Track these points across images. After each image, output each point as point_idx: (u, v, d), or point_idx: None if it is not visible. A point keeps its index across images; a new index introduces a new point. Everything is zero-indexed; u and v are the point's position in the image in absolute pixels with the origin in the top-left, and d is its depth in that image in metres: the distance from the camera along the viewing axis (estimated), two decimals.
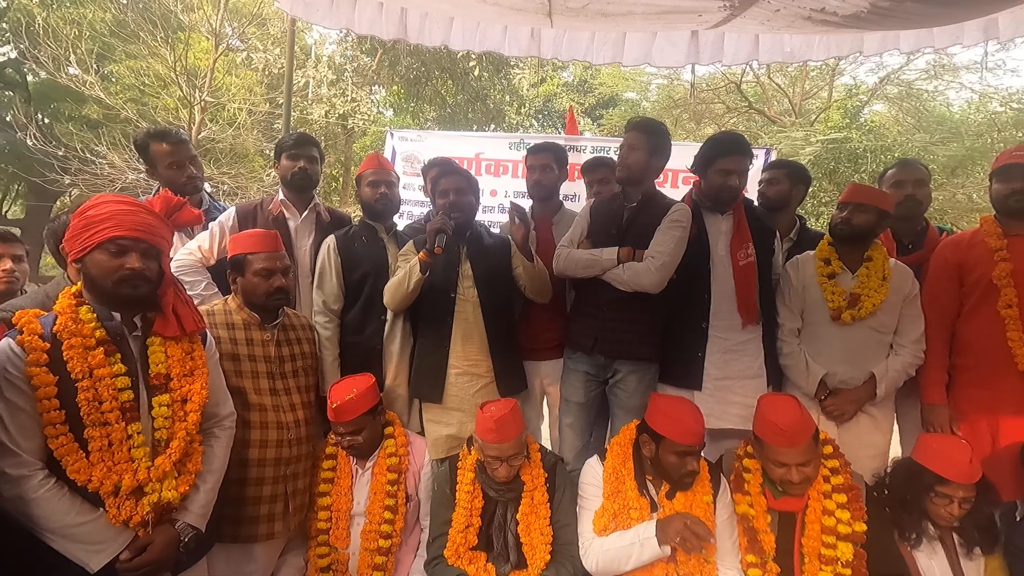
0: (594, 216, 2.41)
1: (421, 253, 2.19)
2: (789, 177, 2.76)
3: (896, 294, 2.22)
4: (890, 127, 13.06)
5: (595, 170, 2.98)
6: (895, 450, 2.32)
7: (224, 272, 2.33)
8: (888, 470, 1.96)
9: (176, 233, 2.38)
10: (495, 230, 3.00)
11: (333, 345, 2.35)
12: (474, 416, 2.11)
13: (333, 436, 2.16)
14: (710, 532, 1.78)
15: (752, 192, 4.51)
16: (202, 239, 2.37)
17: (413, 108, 16.04)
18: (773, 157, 4.80)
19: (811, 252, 2.40)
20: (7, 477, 1.33)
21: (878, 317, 2.22)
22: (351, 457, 2.15)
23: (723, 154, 2.28)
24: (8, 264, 2.21)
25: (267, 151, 13.11)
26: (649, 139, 2.29)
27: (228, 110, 11.79)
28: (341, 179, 15.69)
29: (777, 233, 2.52)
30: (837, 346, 2.25)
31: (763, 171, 2.91)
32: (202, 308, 2.01)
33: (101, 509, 1.44)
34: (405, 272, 2.23)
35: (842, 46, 2.97)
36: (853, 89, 13.94)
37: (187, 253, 2.34)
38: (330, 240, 2.44)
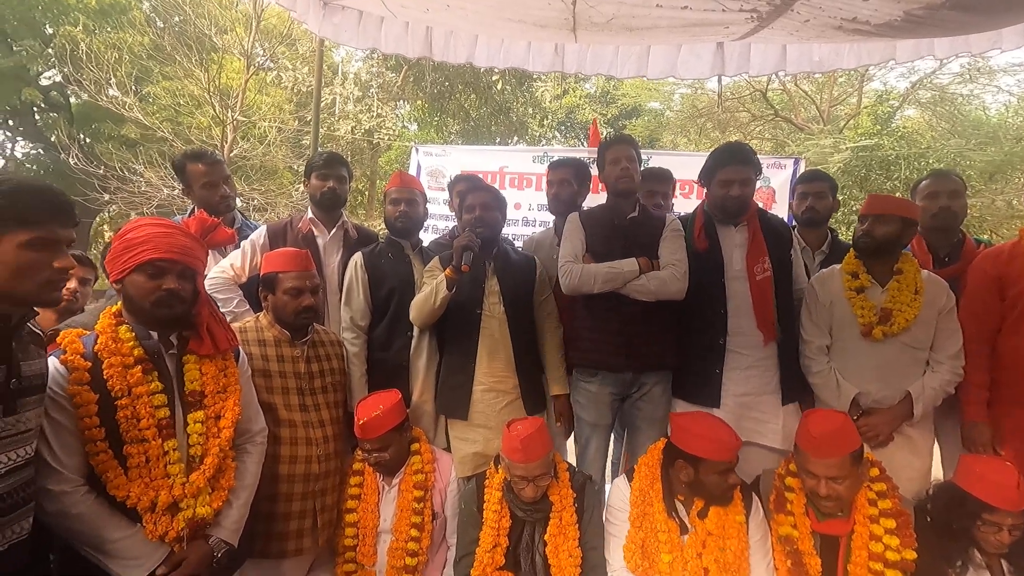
0: (590, 228, 2.37)
1: (448, 270, 2.20)
2: (832, 190, 2.71)
3: (930, 308, 2.14)
4: (923, 133, 12.75)
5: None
6: (936, 472, 2.23)
7: (256, 289, 2.39)
8: (930, 493, 1.88)
9: (211, 251, 2.45)
10: (518, 244, 3.01)
11: (361, 361, 2.37)
12: (500, 433, 2.11)
13: (360, 452, 2.17)
14: None
15: (782, 202, 4.43)
16: (234, 257, 2.43)
17: (437, 122, 16.27)
18: (803, 167, 4.71)
19: (836, 266, 2.32)
20: (50, 494, 1.37)
21: (912, 332, 2.13)
22: (378, 474, 2.16)
23: (722, 164, 2.26)
24: (74, 284, 2.32)
25: (295, 167, 13.44)
26: (636, 151, 2.41)
27: (258, 128, 12.13)
28: (367, 193, 15.95)
29: (795, 242, 2.47)
30: (869, 364, 2.17)
31: (801, 183, 2.83)
32: (234, 325, 2.05)
33: (139, 524, 1.47)
34: (432, 289, 2.24)
35: (873, 54, 2.91)
36: (884, 95, 13.63)
37: (220, 271, 2.39)
38: (357, 257, 2.47)
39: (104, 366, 1.47)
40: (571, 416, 2.41)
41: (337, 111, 13.56)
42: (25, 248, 1.19)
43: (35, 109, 13.72)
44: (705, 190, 2.38)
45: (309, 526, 1.94)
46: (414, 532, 2.07)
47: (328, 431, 2.05)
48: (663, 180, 2.94)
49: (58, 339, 1.52)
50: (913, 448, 2.16)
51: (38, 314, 1.92)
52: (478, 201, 2.35)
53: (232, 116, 10.86)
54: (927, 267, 2.36)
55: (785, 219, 3.05)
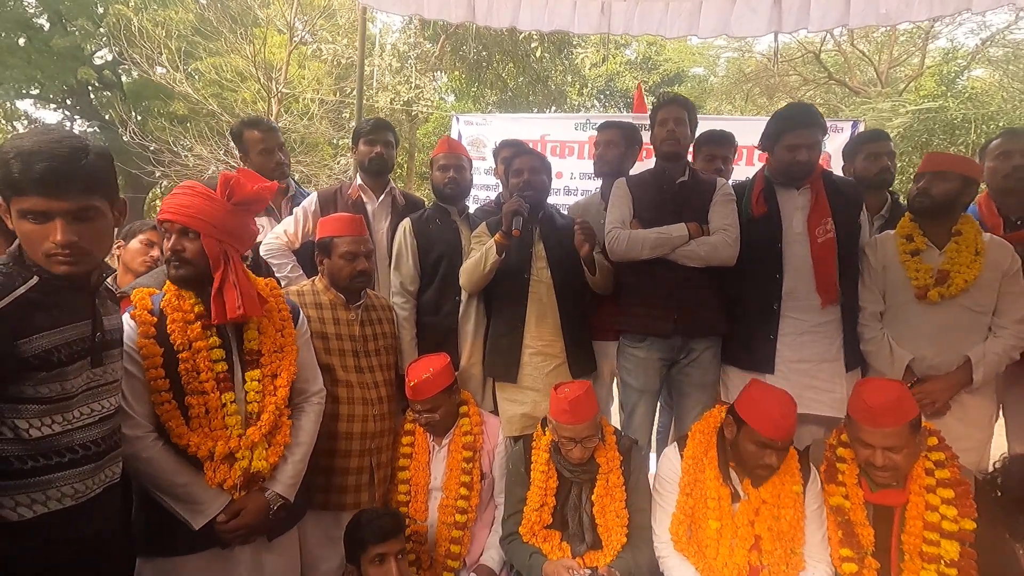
0: (637, 194, 2.33)
1: (497, 235, 2.20)
2: (894, 151, 2.58)
3: (993, 270, 2.03)
4: (993, 94, 11.82)
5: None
6: (1000, 444, 2.14)
7: (309, 255, 2.45)
8: (1000, 466, 1.80)
9: (267, 218, 2.53)
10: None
11: (411, 325, 2.43)
12: (548, 395, 2.12)
13: (411, 413, 2.24)
14: None
15: (836, 168, 4.23)
16: (288, 224, 2.50)
17: (475, 92, 16.12)
18: (861, 130, 4.46)
19: (891, 231, 2.23)
20: (124, 438, 1.45)
21: (972, 295, 2.03)
22: (428, 434, 2.22)
23: (789, 128, 2.16)
24: (156, 252, 2.44)
25: (335, 140, 13.60)
26: (690, 113, 2.33)
27: (301, 102, 12.29)
28: (405, 165, 16.06)
29: (864, 207, 2.36)
30: (925, 328, 2.08)
31: (868, 142, 2.69)
32: (291, 288, 2.13)
33: (202, 473, 1.55)
34: (481, 254, 2.25)
35: (947, 3, 2.69)
36: (951, 52, 12.69)
37: (274, 237, 2.47)
38: (406, 223, 2.50)
39: (168, 321, 1.55)
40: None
41: (375, 83, 13.59)
42: (20, 218, 1.16)
43: (90, 88, 14.25)
44: (767, 154, 2.28)
45: (366, 481, 2.02)
46: (463, 491, 2.13)
47: (382, 392, 2.12)
48: (724, 143, 2.84)
49: (132, 297, 1.60)
50: (972, 417, 2.07)
51: (114, 271, 2.04)
52: (526, 165, 2.33)
53: (277, 88, 11.03)
54: (997, 231, 2.24)
55: None
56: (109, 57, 12.99)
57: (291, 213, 2.52)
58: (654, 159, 3.02)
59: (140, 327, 1.52)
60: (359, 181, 2.61)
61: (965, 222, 2.10)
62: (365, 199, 2.58)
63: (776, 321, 2.18)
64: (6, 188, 1.14)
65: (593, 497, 2.01)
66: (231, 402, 1.58)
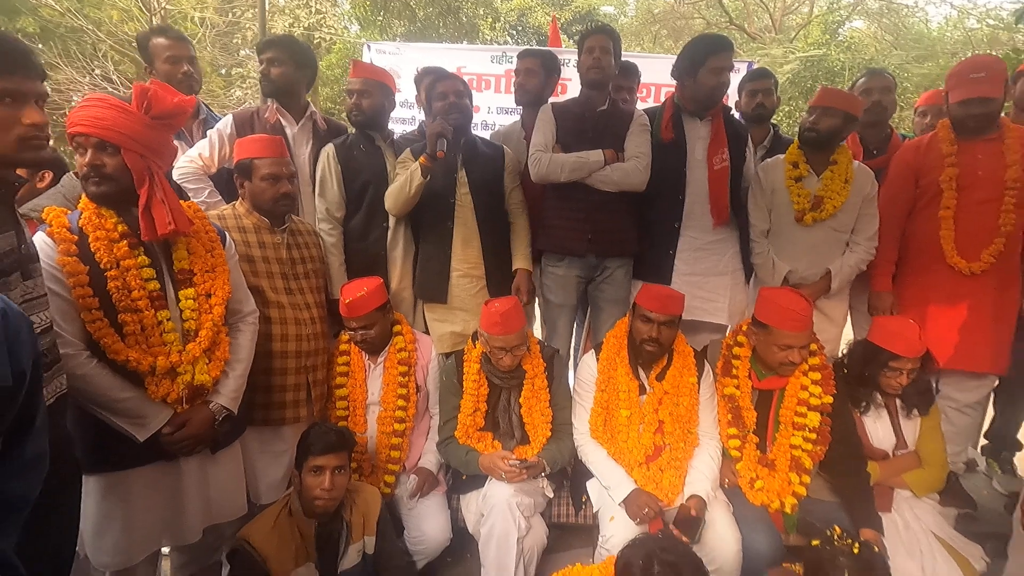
0: (560, 120, 2.45)
1: (422, 158, 2.25)
2: (776, 86, 2.87)
3: (856, 195, 2.40)
4: (868, 44, 12.96)
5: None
6: (847, 338, 2.58)
7: (225, 181, 2.37)
8: (847, 351, 2.22)
9: (178, 141, 2.39)
10: None
11: (339, 251, 2.45)
12: (476, 315, 2.28)
13: (345, 335, 2.31)
14: (661, 510, 1.95)
15: (733, 103, 4.56)
16: (202, 147, 2.38)
17: (381, 22, 15.14)
18: None
19: (781, 156, 2.53)
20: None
21: (838, 218, 2.40)
22: (363, 353, 2.31)
23: (714, 52, 2.31)
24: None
25: (227, 70, 12.38)
26: (615, 44, 2.42)
27: (188, 20, 10.98)
28: (310, 99, 15.00)
29: (750, 140, 2.64)
30: (800, 246, 2.45)
31: (750, 80, 2.97)
32: (211, 213, 2.07)
33: (142, 388, 1.55)
34: (406, 177, 2.29)
35: None
36: (834, 3, 13.64)
37: (188, 161, 2.35)
38: (329, 149, 2.47)
39: (90, 239, 1.50)
40: (531, 290, 2.57)
41: (268, 4, 12.37)
42: None
43: None
44: (683, 81, 2.42)
45: (304, 397, 2.09)
46: (401, 402, 2.26)
47: (314, 313, 2.15)
48: (628, 74, 3.00)
49: (43, 215, 1.52)
50: (830, 317, 2.51)
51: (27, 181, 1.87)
52: (449, 89, 2.36)
53: (159, 5, 9.77)
54: (858, 159, 2.60)
55: None
56: None
57: (204, 137, 2.39)
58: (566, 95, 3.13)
59: (60, 245, 1.46)
60: (276, 104, 2.51)
61: (841, 152, 2.43)
62: (284, 123, 2.49)
63: (676, 239, 2.44)
64: None
65: (521, 400, 2.22)
66: (167, 320, 1.57)
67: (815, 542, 1.47)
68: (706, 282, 2.47)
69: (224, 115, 2.55)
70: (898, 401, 2.11)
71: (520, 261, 2.55)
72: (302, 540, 1.75)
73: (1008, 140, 2.24)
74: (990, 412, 2.78)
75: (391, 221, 2.47)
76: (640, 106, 2.76)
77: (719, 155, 2.41)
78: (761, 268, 2.51)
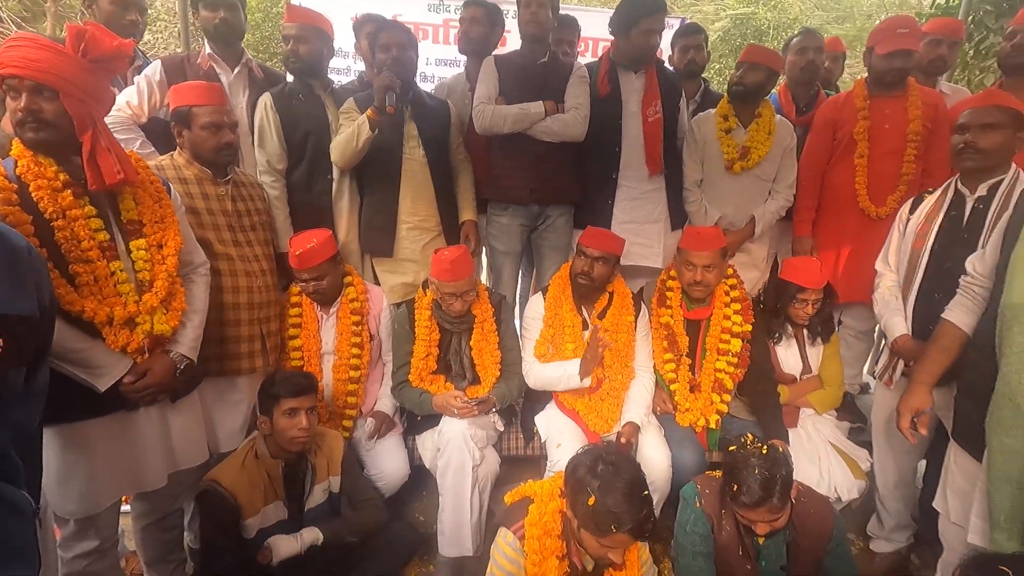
0: (503, 72, 2.51)
1: (370, 110, 2.25)
2: (706, 41, 3.02)
3: (778, 146, 2.63)
4: (793, 4, 13.41)
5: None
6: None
7: (160, 132, 2.29)
8: (763, 288, 2.48)
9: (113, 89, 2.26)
10: None
11: (283, 204, 2.43)
12: (425, 265, 2.36)
13: (296, 287, 2.33)
14: (608, 343, 2.23)
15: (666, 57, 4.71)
16: (129, 95, 2.27)
17: None
18: None
19: (712, 111, 2.72)
20: None
21: (762, 167, 2.64)
22: (315, 304, 2.34)
23: (648, 14, 2.43)
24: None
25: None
26: None
27: None
28: None
29: (683, 93, 2.80)
30: (729, 193, 2.67)
31: (682, 36, 3.10)
32: (149, 164, 2.01)
33: (98, 338, 1.54)
34: (353, 130, 2.29)
35: None
36: None
37: (116, 110, 2.23)
38: (266, 98, 2.41)
39: (31, 188, 1.44)
40: (478, 240, 2.68)
41: None
42: None
43: None
44: (617, 38, 2.53)
45: (259, 348, 2.11)
46: (355, 350, 2.34)
47: (263, 265, 2.14)
48: (569, 28, 3.05)
49: None
50: (753, 259, 2.78)
51: None
52: (394, 41, 2.35)
53: None
54: (791, 116, 2.82)
55: None
56: None
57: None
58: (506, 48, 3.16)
59: (1, 194, 1.41)
60: (208, 50, 2.41)
61: (764, 106, 2.64)
62: (218, 70, 2.40)
63: (614, 188, 2.59)
64: None
65: (471, 343, 2.35)
66: (120, 270, 1.56)
67: (732, 448, 1.71)
68: (643, 229, 2.65)
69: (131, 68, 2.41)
70: (805, 332, 2.40)
71: (467, 212, 2.64)
72: (270, 480, 1.83)
73: (911, 97, 2.50)
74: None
75: (335, 173, 2.47)
76: (582, 61, 2.84)
77: (652, 107, 2.55)
78: (695, 215, 2.71)
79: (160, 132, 2.34)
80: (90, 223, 1.52)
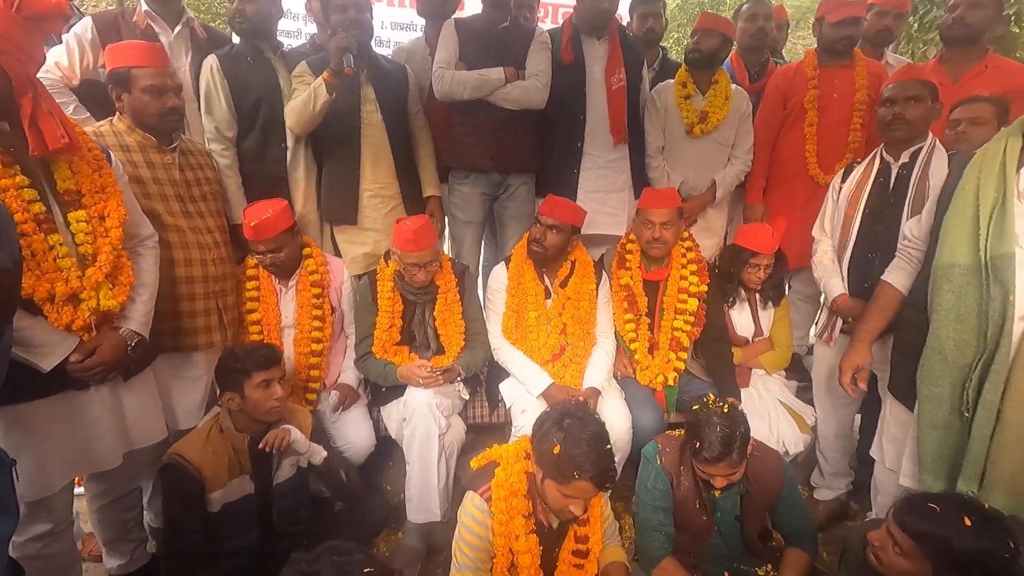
0: (463, 37, 2.47)
1: (326, 73, 2.17)
2: (664, 8, 3.03)
3: (735, 112, 2.70)
4: None
5: None
6: None
7: (96, 96, 2.15)
8: (719, 253, 2.57)
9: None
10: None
11: (235, 173, 2.34)
12: (387, 235, 2.33)
13: (252, 259, 2.26)
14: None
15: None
16: (57, 55, 2.11)
17: None
18: None
19: (671, 80, 2.76)
20: None
21: (721, 131, 2.70)
22: (273, 277, 2.28)
23: None
24: None
25: None
26: None
27: None
28: None
29: (645, 62, 2.82)
30: (690, 158, 2.73)
31: (640, 4, 3.09)
32: (87, 130, 1.89)
33: (40, 316, 1.47)
34: (309, 94, 2.21)
35: None
36: None
37: (44, 71, 2.07)
38: (211, 61, 2.29)
39: None
40: (443, 216, 2.67)
41: None
42: None
43: None
44: (576, 3, 2.52)
45: (216, 323, 2.04)
46: (317, 323, 2.30)
47: (217, 237, 2.06)
48: None
49: None
50: (711, 225, 2.86)
51: None
52: (351, 1, 2.25)
53: None
54: (744, 84, 2.88)
55: None
56: None
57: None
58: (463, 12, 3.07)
59: None
60: (145, 7, 2.25)
61: (720, 74, 2.71)
62: (157, 29, 2.25)
63: (579, 157, 2.60)
64: None
65: (435, 313, 2.34)
66: (59, 244, 1.47)
67: (695, 407, 1.79)
68: (608, 198, 2.68)
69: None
70: (757, 296, 2.50)
71: (430, 187, 2.60)
72: (235, 454, 1.80)
73: (858, 68, 2.60)
74: None
75: (290, 140, 2.39)
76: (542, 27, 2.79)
77: (616, 75, 2.55)
78: (657, 181, 2.76)
79: (95, 96, 2.19)
80: (23, 193, 1.42)
